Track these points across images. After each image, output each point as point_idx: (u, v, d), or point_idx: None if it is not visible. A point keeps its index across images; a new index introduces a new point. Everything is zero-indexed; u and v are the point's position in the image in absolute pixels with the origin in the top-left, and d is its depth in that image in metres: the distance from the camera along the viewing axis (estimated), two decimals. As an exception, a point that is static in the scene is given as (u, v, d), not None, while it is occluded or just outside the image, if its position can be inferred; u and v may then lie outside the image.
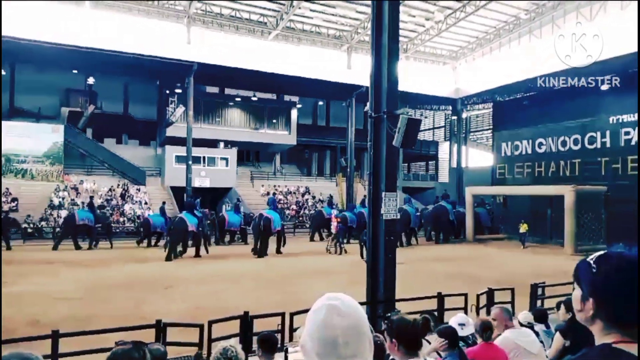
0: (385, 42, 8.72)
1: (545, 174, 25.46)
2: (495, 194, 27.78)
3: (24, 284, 11.48)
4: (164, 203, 23.56)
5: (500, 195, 27.31)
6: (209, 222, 20.78)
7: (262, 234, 18.10)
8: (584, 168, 23.45)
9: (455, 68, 32.49)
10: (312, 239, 23.60)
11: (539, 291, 9.44)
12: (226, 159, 30.46)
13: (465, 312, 7.64)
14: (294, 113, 34.27)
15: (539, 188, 23.81)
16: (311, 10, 25.50)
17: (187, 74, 25.02)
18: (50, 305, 9.53)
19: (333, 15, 26.19)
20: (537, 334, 4.93)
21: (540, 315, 5.75)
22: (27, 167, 26.68)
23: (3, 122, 23.10)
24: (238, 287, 11.85)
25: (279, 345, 4.27)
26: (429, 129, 44.06)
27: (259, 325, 6.53)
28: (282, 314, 6.85)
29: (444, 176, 41.20)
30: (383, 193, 8.56)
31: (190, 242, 17.81)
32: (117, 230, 20.96)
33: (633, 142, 21.25)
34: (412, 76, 27.34)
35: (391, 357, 2.35)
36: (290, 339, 6.42)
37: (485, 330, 3.79)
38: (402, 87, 9.28)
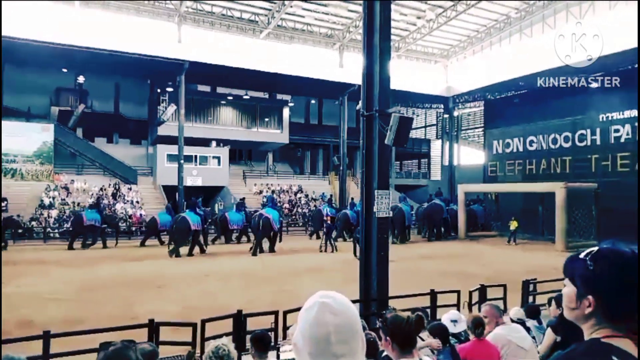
0: (377, 40, 8.74)
1: (536, 172, 25.64)
2: (487, 192, 27.93)
3: (15, 284, 11.38)
4: (170, 202, 23.90)
5: (492, 193, 27.46)
6: (210, 220, 20.85)
7: (262, 232, 18.21)
8: (574, 165, 23.64)
9: (447, 66, 32.61)
10: (311, 237, 23.79)
11: (531, 287, 9.52)
12: (218, 158, 30.36)
13: (458, 309, 7.69)
14: (286, 111, 34.23)
15: (530, 185, 23.96)
16: (303, 8, 25.48)
17: (178, 73, 24.90)
18: (41, 305, 9.45)
19: (325, 13, 26.18)
20: (529, 329, 4.98)
21: (533, 311, 5.80)
22: (16, 167, 26.43)
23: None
24: (231, 285, 11.82)
25: (272, 344, 4.27)
26: (421, 127, 44.23)
27: (252, 324, 6.52)
28: (276, 313, 6.85)
29: (436, 174, 41.39)
30: (375, 191, 8.59)
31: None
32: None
33: (622, 140, 21.47)
34: (404, 75, 27.40)
35: (385, 354, 2.35)
36: (284, 337, 6.41)
37: (478, 326, 3.81)
38: (394, 85, 9.30)
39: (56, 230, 22.93)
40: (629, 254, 1.17)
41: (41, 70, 27.70)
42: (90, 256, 16.88)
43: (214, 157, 30.27)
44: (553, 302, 5.04)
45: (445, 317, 4.39)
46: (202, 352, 5.59)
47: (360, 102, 9.16)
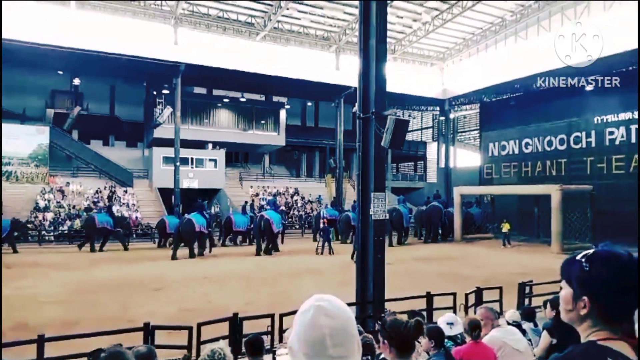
0: (373, 43, 8.75)
1: (532, 174, 25.71)
2: (482, 194, 27.98)
3: (11, 287, 11.29)
4: (177, 206, 24.23)
5: (488, 195, 27.51)
6: (215, 223, 20.89)
7: (263, 235, 18.25)
8: (570, 168, 23.72)
9: (443, 69, 32.73)
10: (314, 240, 23.75)
11: (527, 289, 9.53)
12: (215, 160, 30.29)
13: (454, 311, 7.69)
14: (282, 114, 34.21)
15: (526, 188, 24.01)
16: (299, 11, 25.50)
17: (174, 75, 24.86)
18: (37, 308, 9.40)
19: (321, 16, 26.21)
20: (525, 332, 4.98)
21: (528, 314, 5.80)
22: (11, 169, 26.26)
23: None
24: (229, 287, 11.81)
25: (267, 347, 4.25)
26: (417, 130, 44.27)
27: (249, 327, 6.50)
28: (272, 316, 6.83)
29: (432, 176, 41.43)
30: (372, 193, 8.59)
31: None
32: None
33: (617, 142, 21.58)
34: (400, 77, 27.48)
35: (382, 357, 2.35)
36: (280, 340, 6.40)
37: (474, 329, 3.82)
38: (390, 87, 9.31)
39: (51, 233, 22.83)
40: (625, 256, 1.17)
41: (37, 72, 27.60)
42: (88, 259, 16.81)
43: (210, 160, 30.20)
44: (548, 305, 5.05)
45: (442, 319, 4.39)
46: (198, 355, 5.56)
47: (356, 104, 9.16)
